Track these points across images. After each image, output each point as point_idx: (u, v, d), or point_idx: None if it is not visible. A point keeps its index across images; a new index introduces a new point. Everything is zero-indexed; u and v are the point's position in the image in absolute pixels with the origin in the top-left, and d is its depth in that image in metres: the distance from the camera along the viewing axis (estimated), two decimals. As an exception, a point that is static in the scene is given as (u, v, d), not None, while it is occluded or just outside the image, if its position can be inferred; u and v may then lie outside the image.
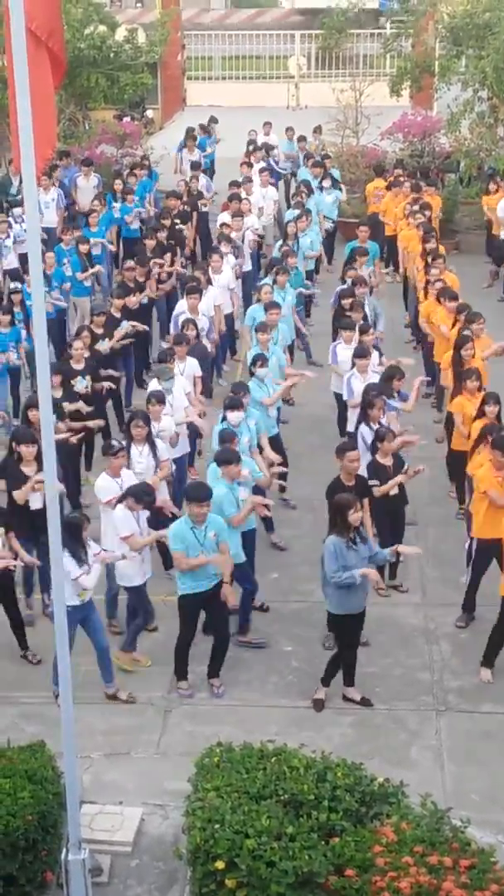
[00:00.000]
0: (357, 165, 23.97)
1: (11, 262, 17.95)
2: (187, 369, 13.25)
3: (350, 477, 10.51)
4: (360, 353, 12.96)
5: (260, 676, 10.34)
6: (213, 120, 26.44)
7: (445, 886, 6.82)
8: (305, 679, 10.23)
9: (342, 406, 13.42)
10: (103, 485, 10.63)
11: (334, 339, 14.42)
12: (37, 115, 6.29)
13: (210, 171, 24.66)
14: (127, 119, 26.80)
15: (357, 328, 13.69)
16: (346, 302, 14.94)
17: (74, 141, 24.99)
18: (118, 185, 20.69)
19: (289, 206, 21.13)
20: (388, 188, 20.79)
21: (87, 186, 21.63)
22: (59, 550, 7.10)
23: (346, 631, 9.90)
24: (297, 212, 18.60)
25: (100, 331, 14.41)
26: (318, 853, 7.14)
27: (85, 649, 9.90)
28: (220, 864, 7.18)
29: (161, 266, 17.18)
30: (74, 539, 9.50)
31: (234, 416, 11.30)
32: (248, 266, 18.40)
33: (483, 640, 10.36)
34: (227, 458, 10.43)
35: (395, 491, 11.10)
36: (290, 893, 7.04)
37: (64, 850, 7.54)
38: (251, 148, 23.74)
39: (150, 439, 11.29)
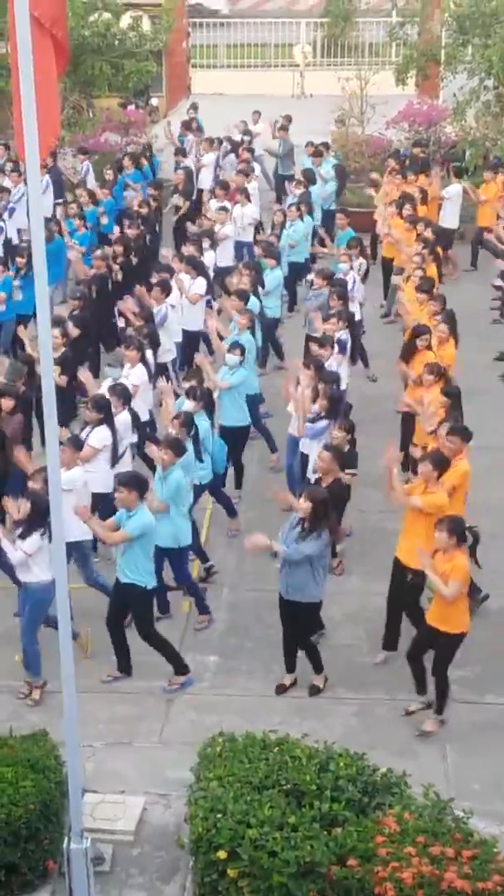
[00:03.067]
0: (362, 154, 23.87)
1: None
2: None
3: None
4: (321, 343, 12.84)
5: (262, 666, 10.33)
6: (194, 106, 26.07)
7: (448, 877, 6.83)
8: (308, 669, 10.21)
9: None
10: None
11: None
12: (40, 102, 6.27)
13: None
14: (131, 107, 26.71)
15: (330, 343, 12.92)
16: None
17: (78, 129, 24.92)
18: (108, 174, 20.49)
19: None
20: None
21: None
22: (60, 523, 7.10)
23: None
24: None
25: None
26: (321, 843, 7.15)
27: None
28: (222, 854, 7.20)
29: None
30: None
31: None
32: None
33: (486, 631, 10.35)
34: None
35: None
36: (292, 883, 7.05)
37: (66, 838, 7.54)
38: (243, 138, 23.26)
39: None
